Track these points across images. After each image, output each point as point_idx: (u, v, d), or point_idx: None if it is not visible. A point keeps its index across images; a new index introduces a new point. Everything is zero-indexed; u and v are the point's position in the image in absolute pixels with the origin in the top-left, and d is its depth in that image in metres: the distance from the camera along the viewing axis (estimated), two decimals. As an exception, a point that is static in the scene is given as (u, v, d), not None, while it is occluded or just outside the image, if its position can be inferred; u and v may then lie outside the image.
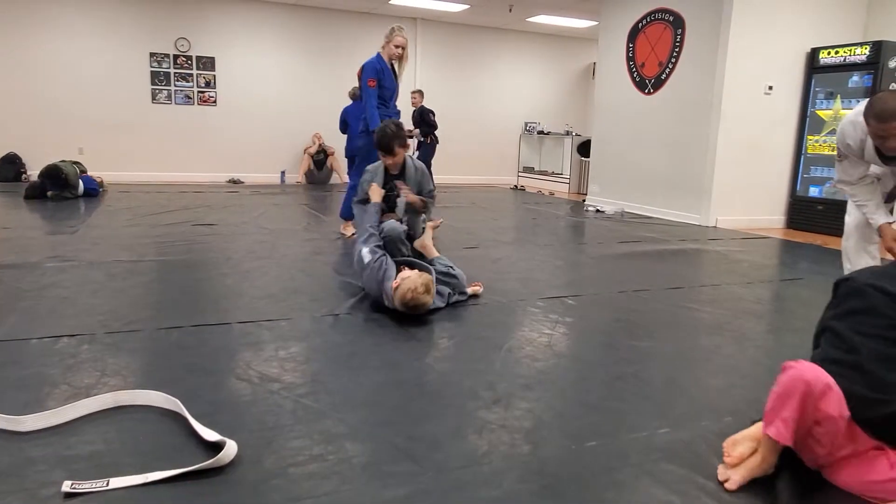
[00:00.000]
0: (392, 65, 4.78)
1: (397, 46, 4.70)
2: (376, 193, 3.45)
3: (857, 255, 2.94)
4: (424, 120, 8.24)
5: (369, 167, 3.67)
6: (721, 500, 1.49)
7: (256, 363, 2.25)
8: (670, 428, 1.85)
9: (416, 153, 8.39)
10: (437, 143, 8.45)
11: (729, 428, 1.86)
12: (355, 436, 1.73)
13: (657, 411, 1.97)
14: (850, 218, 3.01)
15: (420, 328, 2.74)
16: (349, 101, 8.23)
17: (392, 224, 3.29)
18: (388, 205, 3.56)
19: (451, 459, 1.62)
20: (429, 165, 8.11)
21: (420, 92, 8.50)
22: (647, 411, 1.96)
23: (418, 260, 3.24)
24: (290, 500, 1.42)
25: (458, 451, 1.66)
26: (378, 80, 4.70)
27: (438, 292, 2.99)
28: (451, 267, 3.20)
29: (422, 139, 8.39)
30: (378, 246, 3.11)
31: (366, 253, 3.05)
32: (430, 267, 3.09)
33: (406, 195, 3.52)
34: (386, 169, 3.58)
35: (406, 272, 2.86)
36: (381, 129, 3.47)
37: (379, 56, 4.75)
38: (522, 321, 2.92)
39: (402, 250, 3.31)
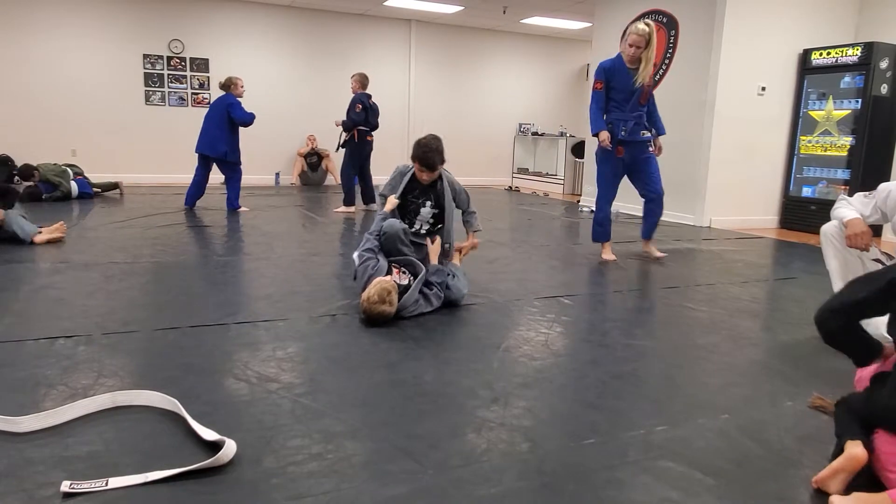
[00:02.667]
0: (639, 63, 4.26)
1: (630, 45, 4.21)
2: (390, 205, 3.30)
3: (853, 275, 2.78)
4: (348, 111, 6.76)
5: (399, 166, 3.44)
6: (720, 496, 1.49)
7: (254, 363, 2.25)
8: (668, 426, 1.86)
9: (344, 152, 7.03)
10: (366, 147, 6.88)
11: (726, 425, 1.88)
12: (354, 435, 1.73)
13: (654, 409, 1.98)
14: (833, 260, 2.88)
15: (417, 328, 2.74)
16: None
17: (391, 222, 3.16)
18: (408, 215, 3.39)
19: (450, 458, 1.62)
20: (345, 174, 6.88)
21: (358, 76, 6.89)
22: (644, 409, 1.97)
23: (415, 259, 3.15)
24: (290, 499, 1.42)
25: (457, 450, 1.67)
26: (606, 81, 4.32)
27: (424, 294, 2.94)
28: (452, 275, 3.11)
29: (345, 136, 6.88)
30: (370, 249, 3.07)
31: (356, 257, 3.06)
32: (422, 267, 3.04)
33: (431, 251, 3.25)
34: (414, 176, 3.34)
35: (378, 279, 2.81)
36: (422, 143, 3.22)
37: (619, 55, 4.32)
38: (519, 321, 2.93)
39: (402, 250, 3.16)
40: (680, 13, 6.82)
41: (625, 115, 4.34)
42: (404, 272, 2.99)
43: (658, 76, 7.11)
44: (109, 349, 2.34)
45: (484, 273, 3.92)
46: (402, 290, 2.86)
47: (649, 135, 4.44)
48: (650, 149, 4.46)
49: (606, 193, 4.55)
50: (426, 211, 3.40)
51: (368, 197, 7.06)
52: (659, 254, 4.63)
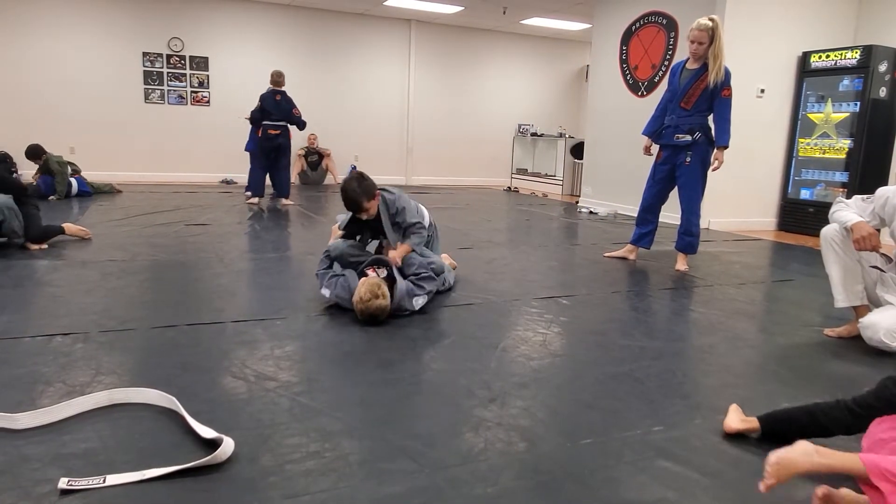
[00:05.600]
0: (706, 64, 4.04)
1: (691, 41, 4.00)
2: (334, 235, 3.31)
3: (853, 279, 2.76)
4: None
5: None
6: (718, 496, 1.50)
7: (252, 361, 2.25)
8: (664, 426, 1.86)
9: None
10: (268, 141, 7.06)
11: (723, 426, 1.88)
12: (352, 433, 1.73)
13: (651, 410, 1.98)
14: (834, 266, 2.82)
15: (415, 328, 2.74)
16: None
17: (335, 244, 3.15)
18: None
19: (447, 457, 1.62)
20: (251, 167, 7.24)
21: (275, 73, 7.18)
22: (641, 410, 1.98)
23: (381, 257, 3.09)
24: (287, 497, 1.42)
25: (454, 449, 1.67)
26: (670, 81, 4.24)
27: (414, 283, 2.94)
28: (428, 267, 3.07)
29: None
30: (333, 275, 2.99)
31: (326, 294, 2.95)
32: (390, 263, 3.00)
33: (392, 260, 3.10)
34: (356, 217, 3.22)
35: (362, 280, 2.81)
36: (343, 191, 3.04)
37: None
38: (517, 321, 2.93)
39: (359, 260, 3.10)
40: (679, 14, 6.83)
41: (669, 118, 4.24)
42: (380, 268, 2.96)
43: (657, 77, 7.13)
44: (107, 347, 2.34)
45: (482, 273, 3.92)
46: (388, 279, 2.86)
47: (688, 139, 4.15)
48: (687, 158, 4.16)
49: (643, 196, 4.46)
50: (375, 244, 3.42)
51: (278, 191, 7.31)
52: (681, 266, 4.26)
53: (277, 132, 7.05)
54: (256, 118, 7.07)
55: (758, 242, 5.86)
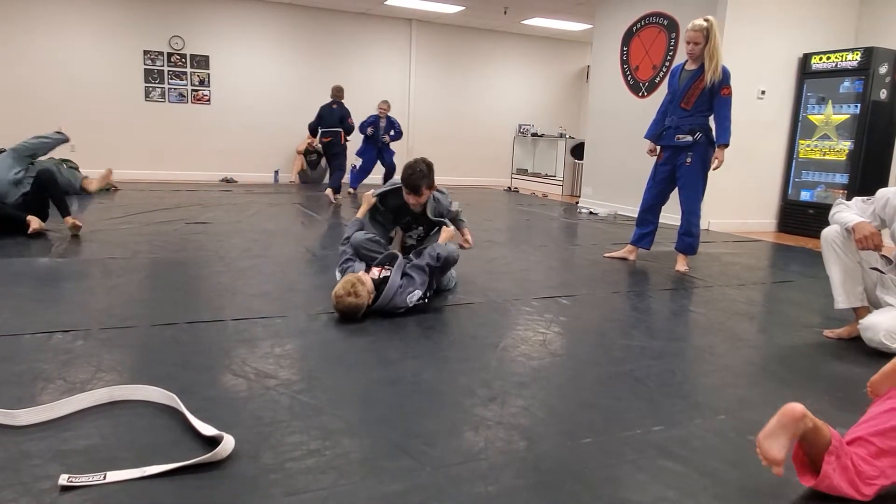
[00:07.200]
0: (703, 65, 4.06)
1: (687, 42, 4.02)
2: (366, 202, 3.38)
3: (853, 281, 2.74)
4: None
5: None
6: (716, 496, 1.50)
7: (252, 360, 2.25)
8: (664, 426, 1.86)
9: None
10: (323, 147, 8.20)
11: (722, 426, 1.88)
12: (352, 432, 1.73)
13: (651, 409, 1.98)
14: (834, 265, 2.80)
15: (415, 326, 2.74)
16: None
17: (355, 236, 3.23)
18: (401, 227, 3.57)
19: (447, 455, 1.63)
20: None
21: (334, 88, 8.13)
22: (641, 409, 1.98)
23: (394, 253, 3.15)
24: (288, 495, 1.42)
25: (454, 448, 1.67)
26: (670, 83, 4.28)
27: (407, 275, 2.93)
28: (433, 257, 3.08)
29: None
30: (347, 259, 3.13)
31: (338, 276, 3.08)
32: (400, 259, 3.03)
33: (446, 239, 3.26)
34: (405, 203, 3.33)
35: (348, 275, 2.88)
36: (408, 165, 3.17)
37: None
38: (517, 320, 2.93)
39: (374, 255, 3.16)
40: (680, 15, 6.83)
41: (670, 119, 4.25)
42: (387, 268, 2.97)
43: (658, 78, 7.13)
44: (107, 344, 2.34)
45: (482, 273, 3.93)
46: (383, 281, 2.88)
47: (689, 139, 4.15)
48: (688, 159, 4.17)
49: (643, 196, 4.47)
50: (416, 232, 3.57)
51: (330, 183, 8.10)
52: (681, 267, 4.26)
53: (329, 138, 7.93)
54: (314, 127, 8.04)
55: (758, 244, 5.86)
